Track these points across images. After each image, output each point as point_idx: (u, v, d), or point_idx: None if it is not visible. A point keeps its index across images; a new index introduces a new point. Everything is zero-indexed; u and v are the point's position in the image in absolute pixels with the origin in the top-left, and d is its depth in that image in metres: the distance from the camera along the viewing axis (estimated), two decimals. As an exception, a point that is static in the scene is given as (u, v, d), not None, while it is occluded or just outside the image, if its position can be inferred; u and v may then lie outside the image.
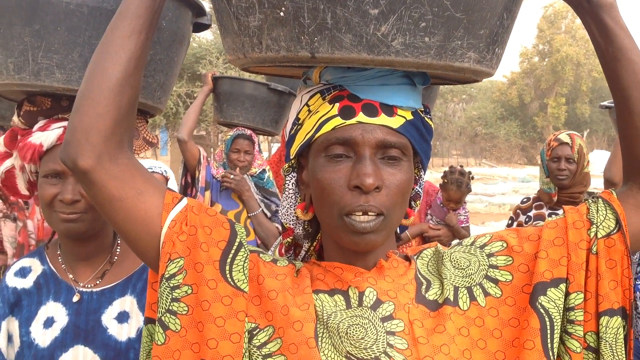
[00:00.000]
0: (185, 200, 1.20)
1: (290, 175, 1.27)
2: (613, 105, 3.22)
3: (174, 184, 3.67)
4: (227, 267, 1.16)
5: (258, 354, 1.13)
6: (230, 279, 1.15)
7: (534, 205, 4.13)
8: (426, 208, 4.61)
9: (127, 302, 1.73)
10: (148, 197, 1.18)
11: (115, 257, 1.79)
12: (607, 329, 1.19)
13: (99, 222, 1.72)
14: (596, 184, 6.10)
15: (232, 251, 1.18)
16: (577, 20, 44.30)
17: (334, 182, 1.14)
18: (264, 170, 4.61)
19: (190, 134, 4.60)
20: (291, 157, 1.25)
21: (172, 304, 1.13)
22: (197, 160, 4.50)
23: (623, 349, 1.20)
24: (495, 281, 1.23)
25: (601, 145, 43.24)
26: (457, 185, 4.45)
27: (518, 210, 4.20)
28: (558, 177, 3.86)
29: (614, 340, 1.19)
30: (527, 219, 4.08)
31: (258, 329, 1.15)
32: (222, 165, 4.54)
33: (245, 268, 1.17)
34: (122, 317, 1.71)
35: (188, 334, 1.13)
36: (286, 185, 1.28)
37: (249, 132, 4.55)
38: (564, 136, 3.94)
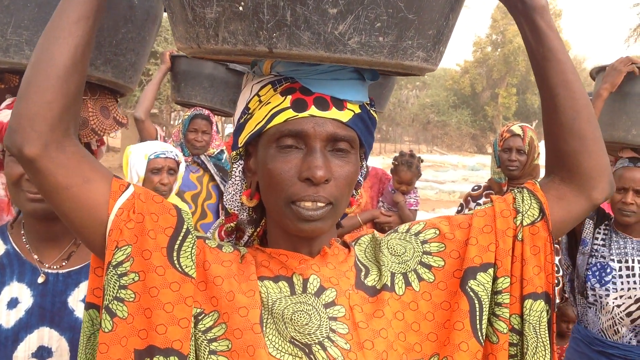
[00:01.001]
0: (132, 188, 1.20)
1: (237, 163, 1.29)
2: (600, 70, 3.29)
3: (183, 168, 3.64)
4: (175, 254, 1.17)
5: (203, 339, 1.15)
6: (178, 265, 1.17)
7: (484, 193, 4.23)
8: (378, 195, 4.69)
9: (92, 283, 1.73)
10: (95, 185, 1.17)
11: None
12: (531, 311, 1.26)
13: None
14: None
15: (180, 238, 1.19)
16: (530, 12, 44.90)
17: (284, 173, 1.17)
18: (222, 151, 4.59)
19: (148, 112, 4.56)
20: (239, 145, 1.27)
21: (119, 291, 1.14)
22: (154, 139, 4.46)
23: (546, 331, 1.27)
24: (429, 267, 1.29)
25: (549, 136, 44.02)
26: (407, 166, 4.54)
27: (469, 198, 4.30)
28: (509, 167, 3.97)
29: (537, 322, 1.26)
30: (476, 207, 4.18)
31: (203, 314, 1.17)
32: (179, 145, 4.52)
33: (192, 254, 1.19)
34: None
35: (135, 320, 1.13)
36: (233, 172, 1.30)
37: (206, 112, 4.53)
38: (516, 128, 4.05)
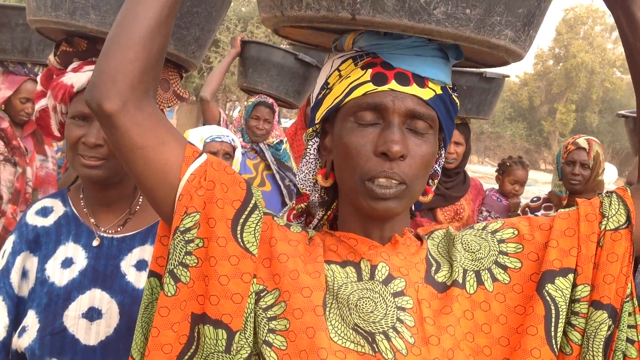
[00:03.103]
0: (205, 156, 1.20)
1: (312, 140, 1.27)
2: (631, 115, 3.22)
3: (239, 153, 3.66)
4: (239, 227, 1.16)
5: (263, 316, 1.14)
6: (240, 240, 1.15)
7: (543, 205, 4.14)
8: (479, 205, 4.66)
9: (147, 251, 1.74)
10: (169, 148, 1.17)
11: (137, 207, 1.80)
12: (590, 320, 1.18)
13: (121, 169, 1.71)
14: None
15: (246, 212, 1.17)
16: (597, 27, 44.08)
17: (360, 147, 1.15)
18: (281, 141, 4.60)
19: (214, 94, 4.60)
20: (316, 122, 1.25)
21: (185, 257, 1.14)
22: (217, 121, 4.48)
23: (600, 348, 1.17)
24: (504, 267, 1.24)
25: (606, 157, 43.19)
26: (521, 164, 4.60)
27: (527, 209, 4.21)
28: (571, 181, 3.86)
29: (593, 334, 1.18)
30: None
31: (265, 291, 1.15)
32: (239, 131, 4.53)
33: (256, 231, 1.17)
34: (141, 265, 1.72)
35: (195, 285, 1.13)
36: (307, 150, 1.28)
37: (270, 100, 4.53)
38: (582, 141, 3.94)
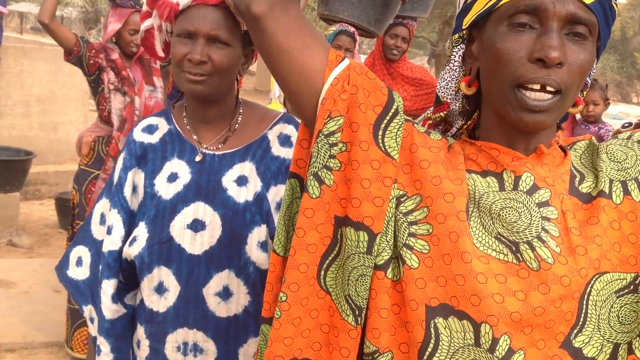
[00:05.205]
0: (347, 60, 1.18)
1: (458, 47, 1.24)
2: None
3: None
4: (380, 132, 1.15)
5: (404, 220, 1.13)
6: (381, 144, 1.15)
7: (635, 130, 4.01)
8: (570, 134, 4.64)
9: (247, 168, 1.80)
10: (313, 52, 1.17)
11: (237, 125, 1.85)
12: None
13: (223, 87, 1.77)
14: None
15: (388, 117, 1.16)
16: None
17: (513, 52, 1.09)
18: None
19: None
20: (463, 28, 1.21)
21: (329, 160, 1.15)
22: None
23: None
24: None
25: None
26: (590, 86, 4.52)
27: (617, 135, 4.09)
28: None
29: None
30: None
31: (406, 197, 1.15)
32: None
33: (398, 136, 1.16)
34: (241, 181, 1.79)
35: (338, 189, 1.14)
36: (452, 57, 1.25)
37: (352, 29, 4.49)
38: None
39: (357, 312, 1.12)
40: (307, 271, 1.15)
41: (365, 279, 1.11)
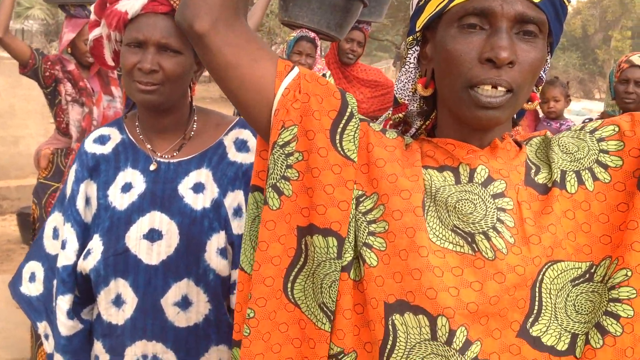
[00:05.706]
0: (297, 69, 1.19)
1: (413, 49, 1.24)
2: None
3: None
4: (338, 137, 1.15)
5: (363, 220, 1.14)
6: (340, 148, 1.15)
7: (595, 127, 4.06)
8: (534, 131, 4.69)
9: (203, 174, 1.78)
10: (262, 65, 1.17)
11: (192, 132, 1.83)
12: None
13: (175, 95, 1.75)
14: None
15: (343, 121, 1.17)
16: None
17: (464, 54, 1.10)
18: (324, 75, 4.59)
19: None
20: (416, 30, 1.22)
21: (286, 171, 1.14)
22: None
23: None
24: (605, 166, 1.18)
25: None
26: (549, 83, 4.59)
27: (579, 131, 4.15)
28: (625, 100, 3.76)
29: None
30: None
31: (365, 196, 1.15)
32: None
33: (355, 138, 1.16)
34: (198, 188, 1.77)
35: (299, 198, 1.14)
36: (407, 59, 1.25)
37: (312, 34, 4.50)
38: (636, 58, 3.81)
39: (332, 318, 1.12)
40: (272, 284, 1.15)
41: (338, 284, 1.12)
